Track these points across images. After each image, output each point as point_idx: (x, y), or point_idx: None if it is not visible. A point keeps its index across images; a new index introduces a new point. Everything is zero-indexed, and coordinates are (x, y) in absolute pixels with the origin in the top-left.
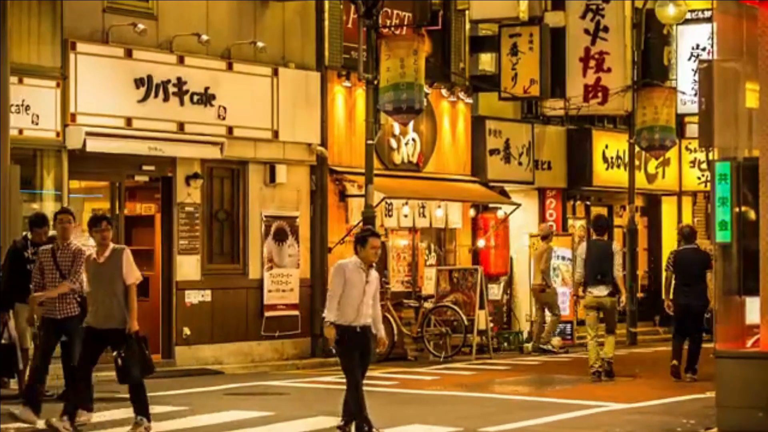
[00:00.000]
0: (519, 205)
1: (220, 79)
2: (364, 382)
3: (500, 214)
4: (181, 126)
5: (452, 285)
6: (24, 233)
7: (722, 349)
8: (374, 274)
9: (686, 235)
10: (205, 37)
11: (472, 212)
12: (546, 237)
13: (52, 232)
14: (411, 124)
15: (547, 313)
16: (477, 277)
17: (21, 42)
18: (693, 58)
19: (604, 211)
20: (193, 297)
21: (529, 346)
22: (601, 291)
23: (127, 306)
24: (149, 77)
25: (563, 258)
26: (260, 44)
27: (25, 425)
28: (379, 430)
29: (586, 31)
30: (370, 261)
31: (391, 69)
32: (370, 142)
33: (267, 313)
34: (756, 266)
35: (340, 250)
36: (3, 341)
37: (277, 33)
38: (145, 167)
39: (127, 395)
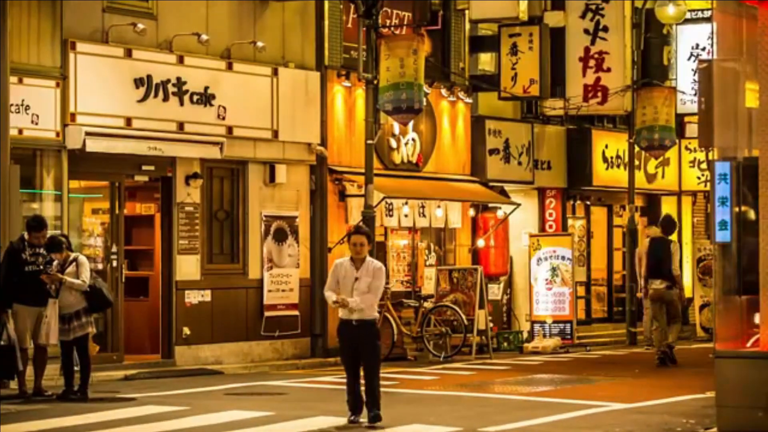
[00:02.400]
0: (519, 204)
1: (220, 79)
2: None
3: (500, 213)
4: (180, 126)
5: (452, 285)
6: (21, 234)
7: (722, 349)
8: (368, 267)
9: None
10: (204, 37)
11: (471, 212)
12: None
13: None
14: (411, 124)
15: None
16: (477, 277)
17: (21, 42)
18: (693, 58)
19: (603, 210)
20: (192, 297)
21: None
22: (658, 284)
23: None
24: (149, 77)
25: (563, 258)
26: (260, 44)
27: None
28: (354, 418)
29: (586, 31)
30: (353, 257)
31: (390, 69)
32: (369, 141)
33: (267, 313)
34: (756, 266)
35: (340, 250)
36: (2, 342)
37: (276, 33)
38: (144, 167)
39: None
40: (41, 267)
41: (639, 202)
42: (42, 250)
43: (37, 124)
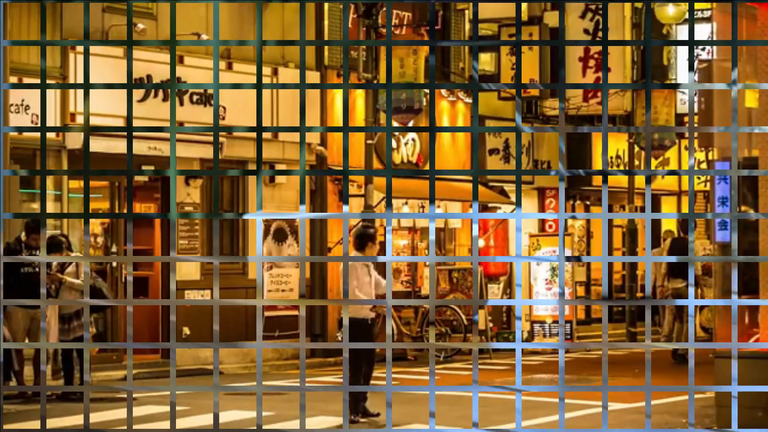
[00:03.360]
0: None
1: (220, 79)
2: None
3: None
4: (180, 126)
5: (452, 285)
6: (18, 235)
7: (722, 349)
8: (371, 265)
9: None
10: (204, 37)
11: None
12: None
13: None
14: (410, 124)
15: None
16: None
17: None
18: None
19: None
20: (192, 297)
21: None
22: (679, 283)
23: None
24: (149, 77)
25: None
26: None
27: None
28: (353, 418)
29: (586, 31)
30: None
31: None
32: (369, 141)
33: (267, 313)
34: (756, 266)
35: (340, 250)
36: None
37: (276, 33)
38: (144, 167)
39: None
40: (37, 269)
41: (639, 202)
42: (39, 252)
43: (37, 124)
